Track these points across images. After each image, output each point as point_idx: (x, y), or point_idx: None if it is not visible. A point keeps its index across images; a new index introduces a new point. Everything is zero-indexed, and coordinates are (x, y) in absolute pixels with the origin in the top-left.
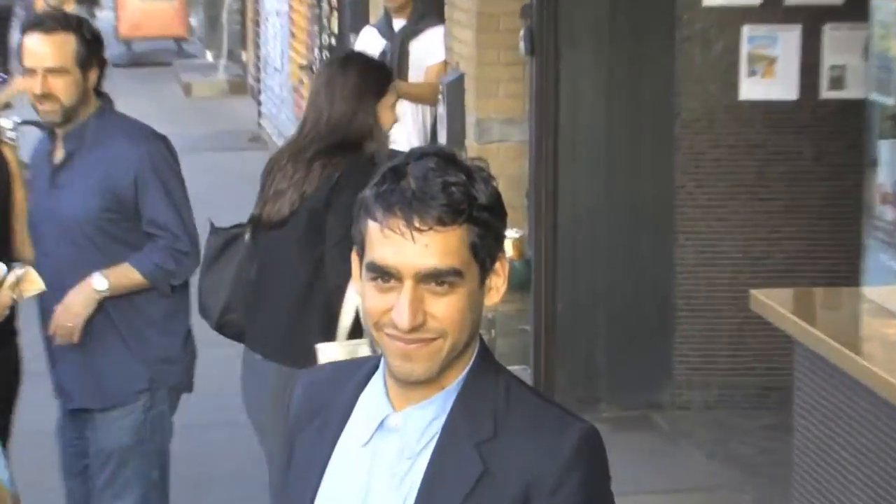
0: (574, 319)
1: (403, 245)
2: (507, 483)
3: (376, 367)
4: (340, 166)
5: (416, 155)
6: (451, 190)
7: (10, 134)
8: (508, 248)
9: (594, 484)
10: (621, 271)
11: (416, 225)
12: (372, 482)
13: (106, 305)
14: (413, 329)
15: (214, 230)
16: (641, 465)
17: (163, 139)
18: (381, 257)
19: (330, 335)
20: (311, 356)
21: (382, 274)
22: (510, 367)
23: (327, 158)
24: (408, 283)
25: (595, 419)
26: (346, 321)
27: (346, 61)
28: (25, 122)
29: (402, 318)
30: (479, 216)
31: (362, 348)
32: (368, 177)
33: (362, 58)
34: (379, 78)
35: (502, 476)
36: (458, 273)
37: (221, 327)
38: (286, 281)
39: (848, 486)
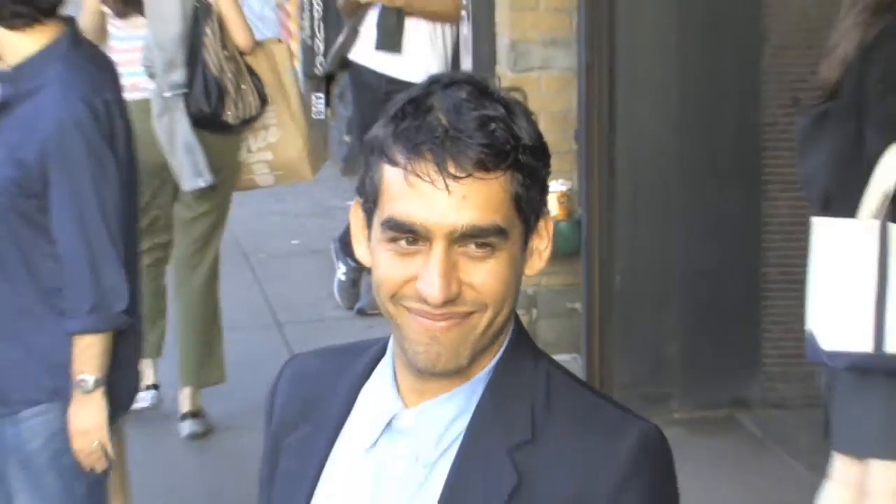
0: (637, 295)
1: (434, 196)
2: (546, 498)
3: (381, 354)
4: None
5: (442, 83)
6: (491, 126)
7: None
8: (553, 204)
9: (657, 501)
10: (696, 232)
11: (451, 171)
12: (377, 496)
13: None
14: (446, 302)
15: (801, 108)
16: (724, 480)
17: (100, 98)
18: (404, 212)
19: None
20: None
21: (406, 233)
22: (556, 358)
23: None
24: (438, 245)
25: (664, 421)
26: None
27: None
28: None
29: (433, 287)
30: (525, 160)
31: None
32: None
33: None
34: None
35: (542, 489)
36: (501, 232)
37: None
38: None
39: None
